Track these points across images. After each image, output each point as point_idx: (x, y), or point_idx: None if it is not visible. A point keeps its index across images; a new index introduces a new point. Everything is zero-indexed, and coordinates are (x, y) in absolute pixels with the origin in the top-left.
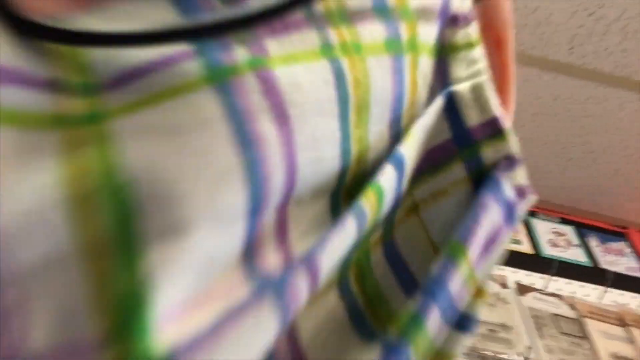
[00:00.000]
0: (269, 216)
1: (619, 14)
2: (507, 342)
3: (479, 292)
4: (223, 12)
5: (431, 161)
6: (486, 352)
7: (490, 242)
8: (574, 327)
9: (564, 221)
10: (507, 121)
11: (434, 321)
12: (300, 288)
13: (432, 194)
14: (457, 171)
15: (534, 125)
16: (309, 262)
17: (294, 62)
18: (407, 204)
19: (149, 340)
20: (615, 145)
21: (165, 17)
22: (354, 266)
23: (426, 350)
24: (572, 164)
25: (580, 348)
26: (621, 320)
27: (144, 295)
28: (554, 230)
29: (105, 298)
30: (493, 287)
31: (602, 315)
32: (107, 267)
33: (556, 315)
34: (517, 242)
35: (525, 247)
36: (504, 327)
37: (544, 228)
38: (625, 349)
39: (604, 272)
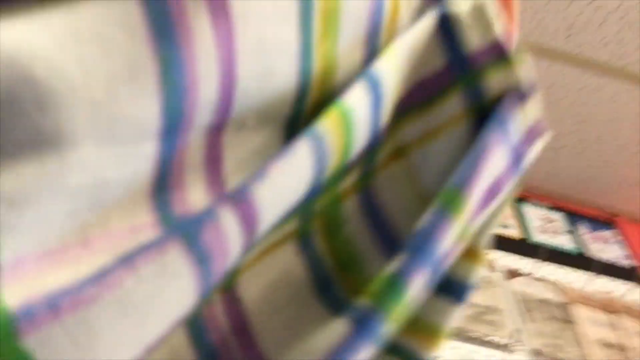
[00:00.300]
0: (195, 141)
1: (618, 4)
2: (494, 325)
3: (474, 255)
4: None
5: (422, 94)
6: (473, 334)
7: (493, 192)
8: (560, 312)
9: (554, 208)
10: (514, 45)
11: (417, 286)
12: (226, 231)
13: (422, 135)
14: (454, 105)
15: None
16: (241, 197)
17: None
18: (390, 147)
19: None
20: (608, 135)
21: None
22: (321, 218)
23: (403, 320)
24: (564, 152)
25: (566, 333)
26: (607, 307)
27: None
28: (544, 216)
29: None
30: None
31: (588, 301)
32: None
33: (543, 300)
34: (506, 226)
35: (515, 232)
36: (492, 309)
37: (534, 214)
38: (610, 336)
39: (592, 259)
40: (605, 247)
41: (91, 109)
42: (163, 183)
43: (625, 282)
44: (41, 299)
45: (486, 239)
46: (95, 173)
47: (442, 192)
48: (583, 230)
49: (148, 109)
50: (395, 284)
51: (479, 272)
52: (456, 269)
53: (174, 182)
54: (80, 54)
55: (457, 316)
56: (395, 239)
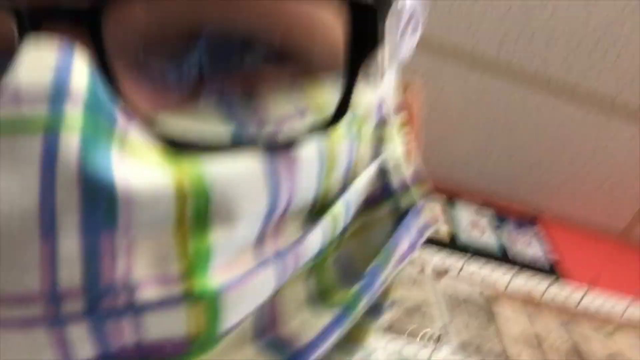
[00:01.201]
0: (271, 223)
1: (546, 19)
2: (423, 322)
3: (387, 290)
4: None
5: (369, 202)
6: (404, 331)
7: (400, 260)
8: (484, 308)
9: (483, 206)
10: (418, 179)
11: (365, 301)
12: (290, 264)
13: (368, 224)
14: (383, 212)
15: (461, 116)
16: (296, 248)
17: None
18: (351, 229)
19: (208, 280)
20: (534, 141)
21: (223, 129)
22: (316, 265)
23: (355, 318)
24: (493, 155)
25: (489, 328)
26: (528, 302)
27: (207, 254)
28: (473, 214)
29: (185, 251)
30: (411, 270)
31: (511, 297)
32: (189, 233)
33: (469, 296)
34: (437, 226)
35: (444, 232)
36: (421, 307)
37: (463, 213)
38: (528, 330)
39: (516, 256)
40: (529, 244)
41: (245, 209)
42: (258, 241)
43: (546, 278)
44: (228, 281)
45: (395, 282)
46: (243, 233)
47: (378, 253)
48: (508, 228)
49: (264, 208)
50: (357, 296)
51: (391, 300)
52: (379, 299)
53: (262, 240)
54: (245, 181)
55: (376, 327)
56: (354, 277)
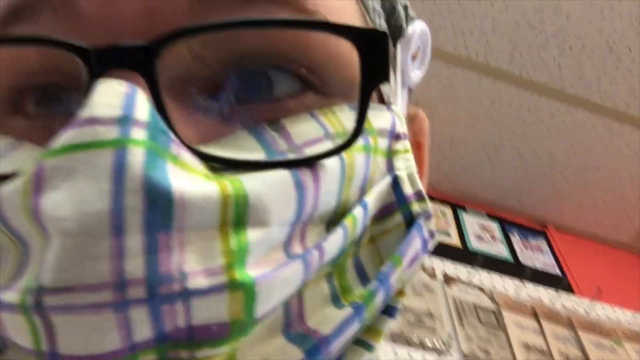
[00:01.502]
0: (298, 227)
1: (556, 31)
2: (431, 330)
3: (400, 292)
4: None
5: (383, 213)
6: (412, 338)
7: (413, 260)
8: (492, 317)
9: (490, 216)
10: (425, 191)
11: (379, 298)
12: (315, 260)
13: (382, 231)
14: (397, 219)
15: (470, 126)
16: (320, 246)
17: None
18: (367, 237)
19: (246, 272)
20: (543, 150)
21: (257, 153)
22: (337, 267)
23: (371, 317)
24: (502, 164)
25: (496, 337)
26: (534, 313)
27: (245, 251)
28: (481, 224)
29: (227, 248)
30: (423, 278)
31: (518, 307)
32: (230, 233)
33: (477, 305)
34: (447, 234)
35: (454, 240)
36: (430, 315)
37: (471, 222)
38: (535, 340)
39: (524, 267)
40: (536, 255)
41: (276, 215)
42: (286, 243)
43: (553, 289)
44: (263, 272)
45: (408, 284)
46: (274, 234)
47: (391, 256)
48: (516, 238)
49: (293, 214)
50: (372, 294)
51: (402, 302)
52: (392, 300)
53: (289, 242)
54: (277, 190)
55: (390, 325)
56: (368, 279)
